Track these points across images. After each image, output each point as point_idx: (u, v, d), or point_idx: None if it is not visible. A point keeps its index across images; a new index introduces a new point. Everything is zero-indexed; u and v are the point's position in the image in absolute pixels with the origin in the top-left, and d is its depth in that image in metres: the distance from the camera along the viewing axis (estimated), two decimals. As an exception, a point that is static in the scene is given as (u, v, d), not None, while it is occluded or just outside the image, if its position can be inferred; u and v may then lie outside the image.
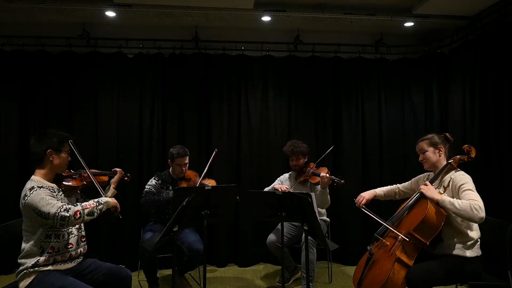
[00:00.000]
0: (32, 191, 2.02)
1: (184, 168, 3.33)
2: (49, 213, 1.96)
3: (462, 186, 2.22)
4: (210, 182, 3.33)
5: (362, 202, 2.61)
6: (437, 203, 2.23)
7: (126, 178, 2.89)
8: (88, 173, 2.43)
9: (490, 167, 3.39)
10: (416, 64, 4.39)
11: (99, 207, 2.16)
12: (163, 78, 4.21)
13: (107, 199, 2.26)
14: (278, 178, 3.65)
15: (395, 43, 4.48)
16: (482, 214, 2.06)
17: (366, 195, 2.68)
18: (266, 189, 3.56)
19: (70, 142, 2.32)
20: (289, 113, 4.36)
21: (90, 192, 2.49)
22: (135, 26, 4.22)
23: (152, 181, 3.32)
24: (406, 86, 4.42)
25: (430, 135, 2.53)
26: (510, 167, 3.23)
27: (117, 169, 2.80)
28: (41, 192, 2.02)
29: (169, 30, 4.26)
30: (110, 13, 3.76)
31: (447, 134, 2.52)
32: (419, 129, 4.32)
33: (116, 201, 2.34)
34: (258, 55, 4.34)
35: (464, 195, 2.17)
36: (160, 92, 4.20)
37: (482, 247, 2.28)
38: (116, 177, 2.73)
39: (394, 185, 2.79)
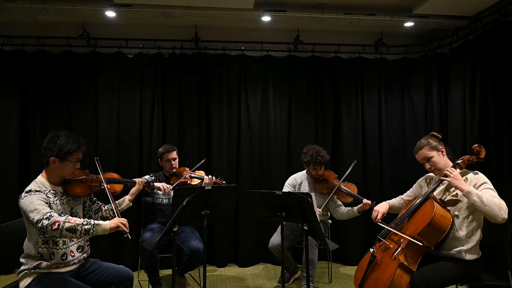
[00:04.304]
0: (26, 194, 1.99)
1: (173, 163, 3.35)
2: (33, 219, 1.90)
3: (484, 185, 2.16)
4: (199, 173, 3.37)
5: (379, 217, 2.55)
6: (443, 203, 2.17)
7: (147, 189, 2.76)
8: (102, 178, 2.32)
9: (490, 166, 3.39)
10: (416, 64, 4.39)
11: (85, 226, 1.91)
12: (163, 78, 4.20)
13: (101, 222, 1.97)
14: (289, 183, 3.43)
15: (395, 43, 4.48)
16: (506, 215, 2.03)
17: (381, 209, 2.61)
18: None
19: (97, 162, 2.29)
20: (289, 113, 4.36)
21: (102, 196, 2.39)
22: (135, 26, 4.22)
23: (146, 176, 3.38)
24: (406, 86, 4.42)
25: (423, 141, 2.40)
26: (510, 166, 3.23)
27: (138, 179, 2.64)
28: (34, 197, 1.97)
29: (169, 30, 4.26)
30: (110, 13, 3.76)
31: (434, 133, 2.43)
32: (419, 129, 4.32)
33: (119, 222, 2.01)
34: (258, 55, 4.34)
35: (486, 193, 2.11)
36: (160, 92, 4.19)
37: (482, 247, 2.27)
38: (134, 189, 2.57)
39: (398, 197, 2.73)
